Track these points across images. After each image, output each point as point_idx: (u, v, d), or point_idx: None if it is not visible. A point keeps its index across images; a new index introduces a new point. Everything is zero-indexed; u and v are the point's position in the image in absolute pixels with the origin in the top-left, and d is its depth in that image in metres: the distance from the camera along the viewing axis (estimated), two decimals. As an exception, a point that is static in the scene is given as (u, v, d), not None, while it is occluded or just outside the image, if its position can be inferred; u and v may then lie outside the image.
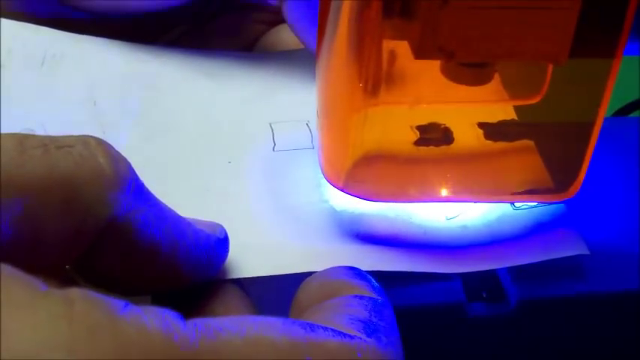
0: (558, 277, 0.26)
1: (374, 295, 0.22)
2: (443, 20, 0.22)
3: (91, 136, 0.19)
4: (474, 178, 0.27)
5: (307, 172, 0.29)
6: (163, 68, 0.34)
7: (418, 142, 0.26)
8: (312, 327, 0.18)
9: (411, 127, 0.26)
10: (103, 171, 0.19)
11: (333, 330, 0.18)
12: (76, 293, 0.15)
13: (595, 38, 0.23)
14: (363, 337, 0.19)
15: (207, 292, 0.23)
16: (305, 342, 0.17)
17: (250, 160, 0.30)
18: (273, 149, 0.30)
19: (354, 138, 0.25)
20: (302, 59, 0.35)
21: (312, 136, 0.31)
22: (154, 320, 0.15)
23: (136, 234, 0.20)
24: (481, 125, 0.26)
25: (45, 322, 0.14)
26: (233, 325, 0.16)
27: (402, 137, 0.26)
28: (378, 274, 0.25)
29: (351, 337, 0.18)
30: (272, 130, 0.31)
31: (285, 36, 0.37)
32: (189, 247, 0.21)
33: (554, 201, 0.28)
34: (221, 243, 0.23)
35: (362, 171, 0.26)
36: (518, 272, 0.26)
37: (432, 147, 0.26)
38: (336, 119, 0.26)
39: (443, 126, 0.26)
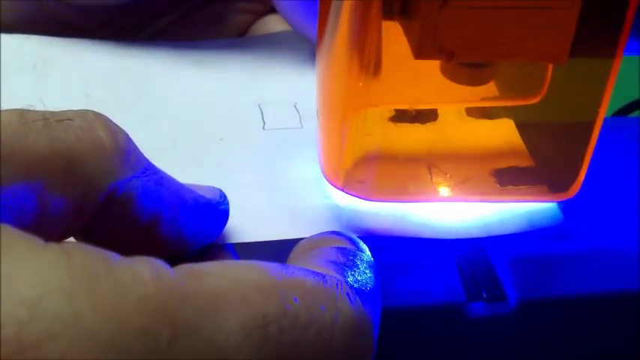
0: (559, 278, 0.26)
1: (355, 249, 0.23)
2: (443, 20, 0.22)
3: (89, 110, 0.20)
4: (472, 179, 0.27)
5: (297, 149, 0.30)
6: (152, 61, 0.35)
7: (396, 119, 0.26)
8: (285, 267, 0.18)
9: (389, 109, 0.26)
10: (102, 142, 0.19)
11: (305, 269, 0.19)
12: (72, 245, 0.15)
13: (595, 38, 0.23)
14: (333, 273, 0.20)
15: (200, 256, 0.24)
16: (283, 280, 0.18)
17: (242, 138, 0.31)
18: (263, 128, 0.31)
19: (354, 138, 0.25)
20: (288, 41, 0.36)
21: (300, 116, 0.32)
22: (144, 267, 0.16)
23: (138, 202, 0.20)
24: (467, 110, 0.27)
25: (46, 269, 0.14)
26: (215, 268, 0.17)
27: (402, 137, 0.26)
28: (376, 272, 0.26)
29: (323, 275, 0.19)
30: (261, 111, 0.32)
31: (274, 26, 0.38)
32: (190, 214, 0.22)
33: (555, 200, 0.28)
34: (222, 209, 0.24)
35: (361, 171, 0.26)
36: (519, 272, 0.26)
37: (417, 124, 0.26)
38: (335, 119, 0.26)
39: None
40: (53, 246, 0.15)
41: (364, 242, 0.26)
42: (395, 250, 0.27)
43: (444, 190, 0.27)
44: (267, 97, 0.33)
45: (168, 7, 0.39)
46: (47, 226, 0.19)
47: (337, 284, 0.19)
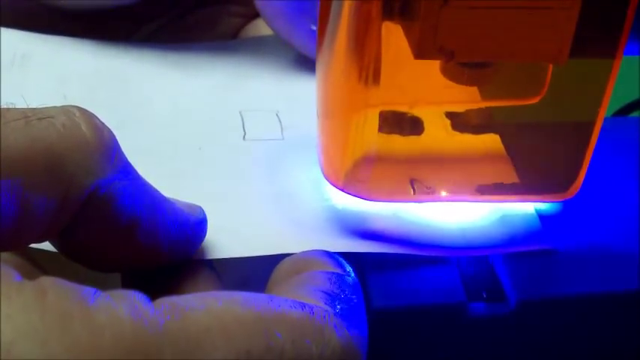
0: (558, 277, 0.26)
1: (341, 272, 0.22)
2: (443, 20, 0.22)
3: (74, 106, 0.20)
4: (472, 179, 0.27)
5: (278, 163, 0.29)
6: (132, 62, 0.34)
7: (382, 129, 0.26)
8: (272, 299, 0.18)
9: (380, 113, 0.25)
10: (86, 139, 0.19)
11: (292, 301, 0.19)
12: (47, 282, 0.15)
13: (595, 38, 0.23)
14: (321, 304, 0.19)
15: (178, 272, 0.23)
16: (267, 314, 0.17)
17: (221, 148, 0.30)
18: (244, 138, 0.30)
19: (354, 138, 0.25)
20: (271, 46, 0.36)
21: (282, 127, 0.31)
22: (123, 306, 0.15)
23: (118, 206, 0.20)
24: (449, 116, 0.26)
25: (18, 313, 0.14)
26: (198, 302, 0.17)
27: (402, 137, 0.26)
28: (377, 274, 0.26)
29: (309, 305, 0.19)
30: (242, 119, 0.31)
31: (265, 29, 0.37)
32: (168, 225, 0.21)
33: (555, 201, 0.28)
34: (200, 224, 0.23)
35: (362, 171, 0.26)
36: (519, 272, 0.26)
37: (395, 135, 0.26)
38: (336, 119, 0.26)
39: (409, 115, 0.26)
40: (27, 285, 0.15)
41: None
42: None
43: (444, 191, 0.27)
44: (249, 104, 0.32)
45: (159, 11, 0.38)
46: (28, 227, 0.18)
47: (324, 316, 0.19)
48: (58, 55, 0.34)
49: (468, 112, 0.27)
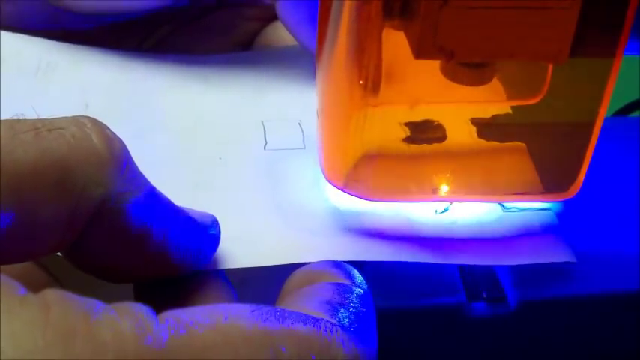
0: (558, 278, 0.27)
1: (351, 284, 0.22)
2: (443, 20, 0.22)
3: (86, 116, 0.19)
4: (473, 178, 0.27)
5: (298, 172, 0.29)
6: (154, 73, 0.34)
7: (408, 140, 0.26)
8: (279, 312, 0.18)
9: (400, 124, 0.25)
10: (96, 150, 0.19)
11: (299, 314, 0.18)
12: (51, 296, 0.15)
13: (595, 38, 0.23)
14: (328, 318, 0.19)
15: (189, 282, 0.23)
16: (274, 329, 0.17)
17: (241, 158, 0.30)
18: (265, 148, 0.30)
19: (354, 138, 0.25)
20: (294, 57, 0.35)
21: (303, 136, 0.31)
22: (127, 321, 0.15)
23: (128, 217, 0.20)
24: (475, 123, 0.26)
25: (21, 329, 0.14)
26: (204, 315, 0.17)
27: (402, 137, 0.26)
28: (377, 274, 0.26)
29: (316, 319, 0.19)
30: (264, 129, 0.31)
31: (283, 33, 0.37)
32: (180, 235, 0.21)
33: (555, 201, 0.28)
34: (213, 234, 0.23)
35: (362, 171, 0.26)
36: (519, 272, 0.26)
37: (424, 145, 0.26)
38: (336, 119, 0.26)
39: (436, 123, 0.26)
40: (31, 300, 0.15)
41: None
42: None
43: (445, 191, 0.27)
44: (271, 113, 0.32)
45: (174, 14, 0.38)
46: (37, 240, 0.18)
47: (332, 330, 0.18)
48: (81, 64, 0.34)
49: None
